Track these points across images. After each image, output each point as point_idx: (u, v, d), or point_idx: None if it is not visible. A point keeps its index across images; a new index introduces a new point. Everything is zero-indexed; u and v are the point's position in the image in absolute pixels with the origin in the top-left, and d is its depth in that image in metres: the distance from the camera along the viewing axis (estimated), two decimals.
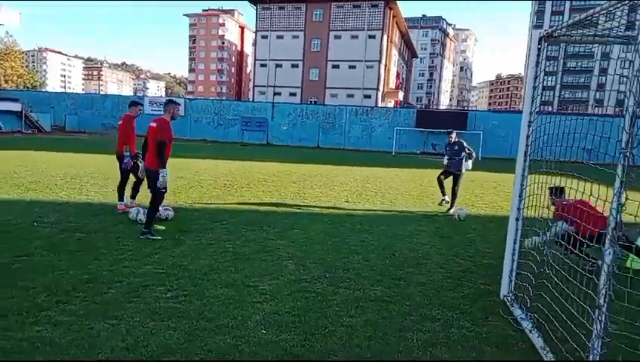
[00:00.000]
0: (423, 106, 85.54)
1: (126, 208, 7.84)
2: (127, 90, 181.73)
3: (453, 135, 10.13)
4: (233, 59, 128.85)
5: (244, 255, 5.82)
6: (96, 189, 10.08)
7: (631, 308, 3.19)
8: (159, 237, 6.36)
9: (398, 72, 67.96)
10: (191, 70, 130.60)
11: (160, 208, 7.62)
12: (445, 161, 9.92)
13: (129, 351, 3.33)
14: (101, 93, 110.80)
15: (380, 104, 52.42)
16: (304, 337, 3.66)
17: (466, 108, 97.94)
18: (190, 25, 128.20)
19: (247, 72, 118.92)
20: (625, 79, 2.89)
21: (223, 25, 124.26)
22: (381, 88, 56.35)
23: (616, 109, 3.42)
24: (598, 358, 2.90)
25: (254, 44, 63.19)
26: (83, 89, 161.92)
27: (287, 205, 9.42)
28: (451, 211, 9.43)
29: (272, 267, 5.39)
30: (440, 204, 9.97)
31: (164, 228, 6.73)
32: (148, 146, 6.58)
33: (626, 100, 2.83)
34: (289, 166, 17.40)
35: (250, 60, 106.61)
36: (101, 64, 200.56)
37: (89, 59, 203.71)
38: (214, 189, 10.94)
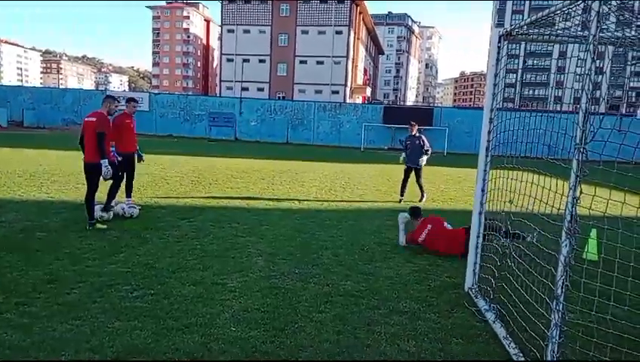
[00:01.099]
0: (390, 103, 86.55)
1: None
2: (88, 84, 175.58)
3: (415, 127, 10.23)
4: (199, 53, 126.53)
5: (212, 252, 5.77)
6: (57, 187, 9.73)
7: (586, 297, 3.35)
8: (104, 227, 6.50)
9: (365, 69, 68.42)
10: (155, 64, 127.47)
11: (124, 205, 7.48)
12: (402, 157, 10.23)
13: (94, 352, 3.26)
14: (61, 87, 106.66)
15: (348, 100, 52.65)
16: (274, 333, 3.67)
17: (431, 105, 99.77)
18: (153, 17, 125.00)
19: (214, 66, 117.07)
20: (579, 77, 3.01)
21: (187, 18, 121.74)
22: (349, 84, 56.62)
23: (573, 106, 3.56)
24: (556, 346, 3.03)
25: (220, 38, 62.23)
26: (41, 83, 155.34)
27: (256, 202, 9.37)
28: (423, 200, 10.00)
29: (241, 264, 5.36)
30: (399, 202, 10.08)
31: (105, 226, 6.63)
32: (85, 141, 6.65)
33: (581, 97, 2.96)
34: (258, 162, 17.28)
35: (216, 54, 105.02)
36: (60, 57, 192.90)
37: (47, 52, 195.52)
38: (181, 186, 10.75)
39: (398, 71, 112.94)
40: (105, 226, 6.63)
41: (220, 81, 60.52)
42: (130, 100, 8.17)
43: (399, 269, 5.49)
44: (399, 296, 4.62)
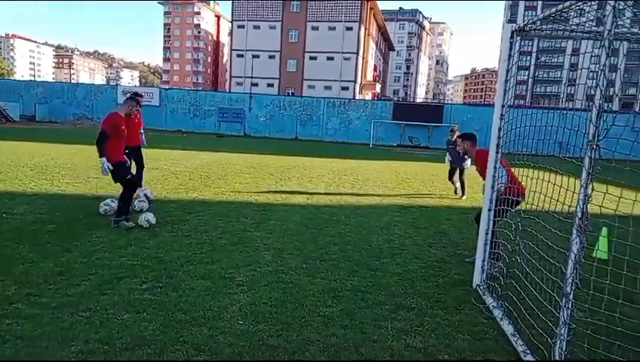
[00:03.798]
0: (400, 99, 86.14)
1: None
2: (99, 79, 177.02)
3: (456, 133, 10.53)
4: (209, 49, 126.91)
5: (221, 246, 5.80)
6: (68, 180, 9.83)
7: (596, 296, 3.32)
8: (132, 224, 6.34)
9: (375, 65, 68.14)
10: (166, 59, 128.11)
11: (136, 201, 7.53)
12: (447, 159, 10.80)
13: (103, 343, 3.29)
14: (72, 81, 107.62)
15: (357, 96, 52.51)
16: (281, 327, 3.69)
17: (441, 102, 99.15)
18: (165, 13, 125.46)
19: (224, 62, 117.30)
20: (593, 74, 2.98)
21: (198, 13, 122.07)
22: (359, 80, 56.44)
23: (586, 103, 3.52)
24: (564, 344, 3.01)
25: (230, 33, 62.32)
26: (53, 77, 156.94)
27: (264, 197, 9.39)
28: (463, 198, 10.51)
29: (249, 258, 5.39)
30: (455, 193, 10.75)
31: (133, 225, 6.40)
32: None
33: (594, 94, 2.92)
34: (266, 157, 17.31)
35: (226, 50, 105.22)
36: (72, 52, 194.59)
37: (59, 47, 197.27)
38: (190, 180, 10.81)
39: (408, 67, 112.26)
40: (132, 225, 6.38)
41: (230, 76, 60.65)
42: (135, 95, 8.26)
43: (407, 265, 5.48)
44: (406, 292, 4.61)
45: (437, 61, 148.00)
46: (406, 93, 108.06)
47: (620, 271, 3.27)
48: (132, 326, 3.56)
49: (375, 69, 67.87)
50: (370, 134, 29.32)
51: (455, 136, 10.36)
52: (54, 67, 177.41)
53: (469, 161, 10.29)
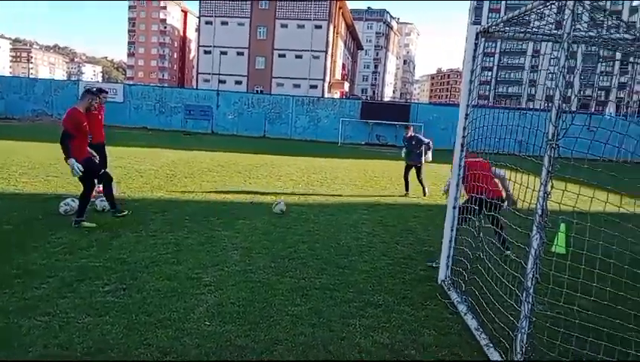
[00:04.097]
0: (368, 98, 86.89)
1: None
2: (59, 74, 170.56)
3: (410, 130, 10.89)
4: (175, 45, 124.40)
5: (187, 246, 5.70)
6: (26, 179, 9.43)
7: (555, 289, 3.44)
8: (93, 225, 6.15)
9: (344, 64, 68.45)
10: (130, 55, 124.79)
11: (98, 200, 7.31)
12: (403, 154, 10.73)
13: (62, 348, 3.18)
14: (31, 76, 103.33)
15: (326, 95, 52.62)
16: (249, 327, 3.66)
17: (408, 101, 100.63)
18: (129, 7, 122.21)
19: (191, 58, 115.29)
20: (552, 75, 3.08)
21: (164, 8, 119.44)
22: (327, 79, 56.57)
23: (546, 103, 3.64)
24: (525, 337, 3.10)
25: (198, 29, 61.28)
26: (10, 72, 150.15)
27: (232, 195, 9.29)
28: (425, 196, 10.50)
29: (217, 258, 5.32)
30: (404, 196, 10.56)
31: (94, 225, 6.22)
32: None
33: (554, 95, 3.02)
34: (234, 155, 17.12)
35: (193, 46, 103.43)
36: (31, 45, 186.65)
37: (17, 40, 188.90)
38: (155, 179, 10.57)
39: (376, 66, 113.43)
40: (94, 225, 6.22)
41: (197, 73, 59.65)
42: (99, 91, 8.06)
43: (374, 263, 5.53)
44: (374, 289, 4.66)
45: (404, 61, 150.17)
46: (374, 92, 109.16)
47: (577, 265, 3.40)
48: (94, 330, 3.45)
49: (344, 68, 68.19)
50: (339, 133, 29.45)
51: (410, 133, 10.78)
52: (12, 61, 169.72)
53: (430, 154, 10.68)
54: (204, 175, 11.74)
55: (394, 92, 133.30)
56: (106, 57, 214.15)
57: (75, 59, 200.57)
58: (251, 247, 5.82)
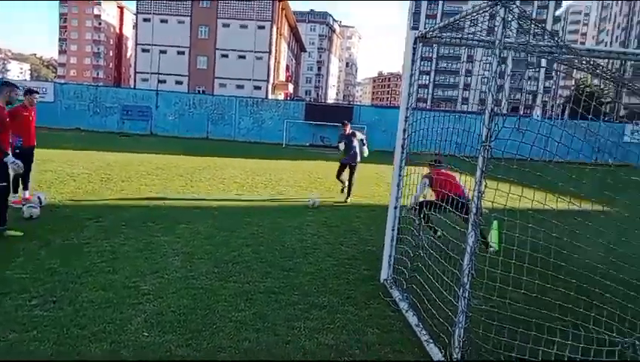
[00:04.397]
0: (312, 100, 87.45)
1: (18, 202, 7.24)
2: None
3: (348, 127, 10.44)
4: (111, 42, 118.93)
5: (124, 254, 5.44)
6: None
7: (489, 284, 3.61)
8: (20, 233, 5.78)
9: (287, 65, 68.43)
10: (62, 52, 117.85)
11: (25, 207, 6.84)
12: (341, 148, 10.23)
13: None
14: None
15: (270, 96, 52.32)
16: (190, 336, 3.55)
17: (351, 103, 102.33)
18: (60, 1, 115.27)
19: (128, 56, 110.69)
20: (485, 79, 3.23)
21: (98, 4, 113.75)
22: (271, 80, 56.30)
23: (479, 107, 3.82)
24: (462, 331, 3.23)
25: (135, 27, 58.93)
26: None
27: (173, 199, 8.99)
28: (348, 200, 9.96)
29: (156, 265, 5.12)
30: (342, 191, 10.32)
31: (21, 233, 5.84)
32: None
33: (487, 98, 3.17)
34: (175, 158, 16.60)
35: (130, 44, 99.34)
36: None
37: None
38: (90, 183, 10.03)
39: (319, 69, 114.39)
40: (20, 233, 5.82)
41: (135, 72, 57.35)
42: (29, 92, 7.61)
43: (319, 264, 5.56)
44: (319, 291, 4.68)
45: (347, 63, 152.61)
46: (318, 94, 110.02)
47: (509, 260, 3.59)
48: (19, 347, 3.21)
49: (287, 69, 68.17)
50: (284, 134, 29.39)
51: (348, 130, 10.31)
52: None
53: (366, 149, 10.33)
54: (143, 178, 11.28)
55: (337, 94, 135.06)
56: (35, 54, 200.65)
57: (0, 55, 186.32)
58: (193, 252, 5.66)
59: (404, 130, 4.82)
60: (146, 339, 3.45)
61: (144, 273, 4.83)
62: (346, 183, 10.23)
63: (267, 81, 55.01)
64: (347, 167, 10.23)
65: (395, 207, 4.93)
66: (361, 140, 10.29)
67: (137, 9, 55.99)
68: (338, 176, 10.39)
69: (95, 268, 4.89)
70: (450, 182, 6.05)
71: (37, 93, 8.01)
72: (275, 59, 57.82)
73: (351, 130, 10.37)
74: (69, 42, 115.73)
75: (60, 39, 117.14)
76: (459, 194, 5.77)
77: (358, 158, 10.23)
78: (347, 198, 10.08)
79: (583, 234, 4.01)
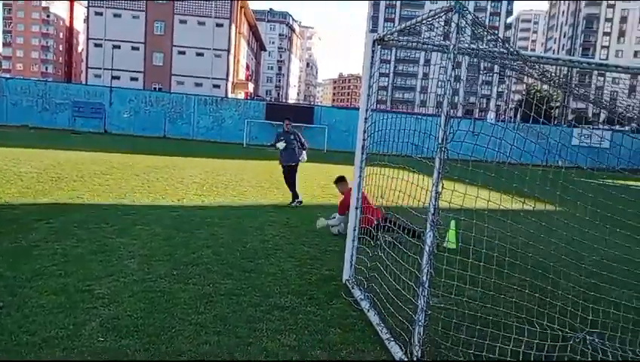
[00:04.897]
0: (273, 99, 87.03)
1: None
2: None
3: (289, 124, 9.83)
4: (61, 36, 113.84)
5: (77, 256, 5.22)
6: None
7: (447, 282, 3.72)
8: None
9: (247, 64, 67.77)
10: (6, 45, 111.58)
11: None
12: (280, 147, 9.49)
13: None
14: None
15: (230, 95, 51.65)
16: (148, 340, 3.44)
17: (312, 104, 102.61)
18: None
19: (79, 51, 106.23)
20: (441, 83, 3.33)
21: None
22: (231, 79, 55.56)
23: (436, 109, 3.92)
24: (422, 329, 3.31)
25: (86, 20, 56.62)
26: None
27: (128, 199, 8.71)
28: (293, 204, 9.44)
29: (111, 268, 4.94)
30: (295, 207, 9.45)
31: None
32: None
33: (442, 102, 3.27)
34: (131, 157, 16.08)
35: (82, 38, 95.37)
36: None
37: None
38: (39, 183, 9.56)
39: (280, 68, 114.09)
40: None
41: (87, 67, 55.13)
42: None
43: (281, 265, 5.54)
44: (281, 292, 4.66)
45: (307, 64, 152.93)
46: (278, 94, 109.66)
47: (466, 258, 3.71)
48: None
49: (247, 68, 67.53)
50: (244, 133, 29.10)
51: (288, 127, 9.71)
52: None
53: (304, 154, 9.69)
54: (96, 178, 10.87)
55: (298, 94, 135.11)
56: None
57: None
58: (151, 254, 5.51)
59: (365, 131, 4.88)
60: (102, 344, 3.32)
61: (99, 276, 4.65)
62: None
63: (227, 79, 54.27)
64: (290, 169, 9.60)
65: (356, 208, 4.99)
66: (302, 143, 9.64)
67: (89, 2, 53.86)
68: (287, 181, 9.72)
69: (46, 271, 4.67)
70: (368, 207, 5.94)
71: None
72: (235, 57, 57.13)
73: (291, 129, 9.78)
74: (15, 34, 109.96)
75: (4, 31, 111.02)
76: (378, 218, 5.75)
77: (301, 158, 9.61)
78: (293, 202, 9.52)
79: (536, 233, 4.20)
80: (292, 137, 9.56)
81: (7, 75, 67.09)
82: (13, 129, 25.11)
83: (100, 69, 51.90)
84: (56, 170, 11.45)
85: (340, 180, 7.84)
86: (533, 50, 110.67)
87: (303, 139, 9.69)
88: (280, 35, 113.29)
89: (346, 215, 6.25)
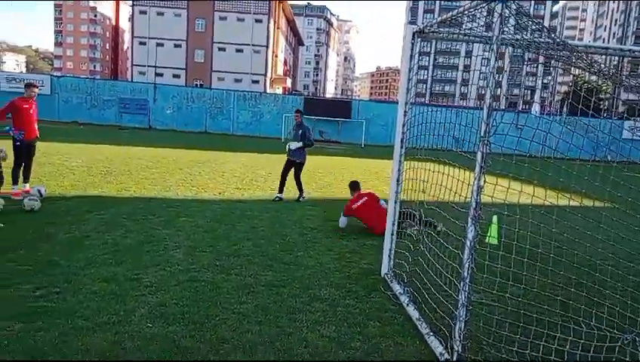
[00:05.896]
0: (310, 94, 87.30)
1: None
2: None
3: (300, 116, 9.30)
4: (107, 35, 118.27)
5: (126, 246, 5.47)
6: None
7: (489, 278, 3.66)
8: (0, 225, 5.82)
9: (285, 59, 68.24)
10: (57, 44, 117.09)
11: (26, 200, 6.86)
12: (293, 147, 9.11)
13: None
14: None
15: (268, 90, 52.22)
16: (193, 327, 3.59)
17: (349, 98, 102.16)
18: None
19: (124, 49, 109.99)
20: (483, 75, 3.26)
21: None
22: (269, 74, 56.14)
23: (478, 102, 3.85)
24: (463, 324, 3.28)
25: (131, 19, 58.57)
26: None
27: (173, 193, 9.01)
28: (301, 199, 9.22)
29: (158, 258, 5.15)
30: (274, 200, 9.09)
31: (2, 225, 5.86)
32: None
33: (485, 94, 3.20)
34: (174, 151, 16.59)
35: (127, 37, 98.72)
36: None
37: None
38: (89, 176, 10.03)
39: (317, 63, 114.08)
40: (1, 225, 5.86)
41: (132, 65, 57.07)
42: (28, 86, 7.95)
43: (320, 258, 5.60)
44: (320, 284, 4.72)
45: (345, 58, 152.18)
46: (316, 89, 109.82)
47: (509, 254, 3.64)
48: (25, 337, 3.24)
49: (285, 63, 67.99)
50: (282, 128, 29.35)
51: (298, 119, 9.22)
52: None
53: (300, 144, 9.08)
54: (143, 172, 11.29)
55: (335, 88, 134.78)
56: (30, 46, 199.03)
57: None
58: (194, 246, 5.69)
59: (403, 125, 4.84)
60: (150, 331, 3.48)
61: (146, 265, 4.87)
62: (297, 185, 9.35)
63: (265, 75, 54.86)
64: (292, 165, 9.21)
65: (395, 202, 4.97)
66: (305, 137, 9.07)
67: (133, 1, 55.65)
68: (283, 174, 9.25)
69: (97, 260, 4.92)
70: (378, 212, 6.51)
71: (36, 87, 8.17)
72: (273, 52, 57.64)
73: (301, 122, 9.27)
74: (65, 34, 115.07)
75: (55, 31, 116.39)
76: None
77: (293, 145, 9.11)
78: (300, 198, 9.24)
79: (583, 230, 4.05)
80: (300, 131, 9.12)
81: (59, 74, 70.50)
82: (64, 125, 26.37)
83: (145, 66, 53.59)
84: (105, 164, 11.97)
85: (352, 187, 7.66)
86: (580, 39, 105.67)
87: (308, 134, 9.13)
88: (318, 29, 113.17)
89: (347, 217, 7.09)
